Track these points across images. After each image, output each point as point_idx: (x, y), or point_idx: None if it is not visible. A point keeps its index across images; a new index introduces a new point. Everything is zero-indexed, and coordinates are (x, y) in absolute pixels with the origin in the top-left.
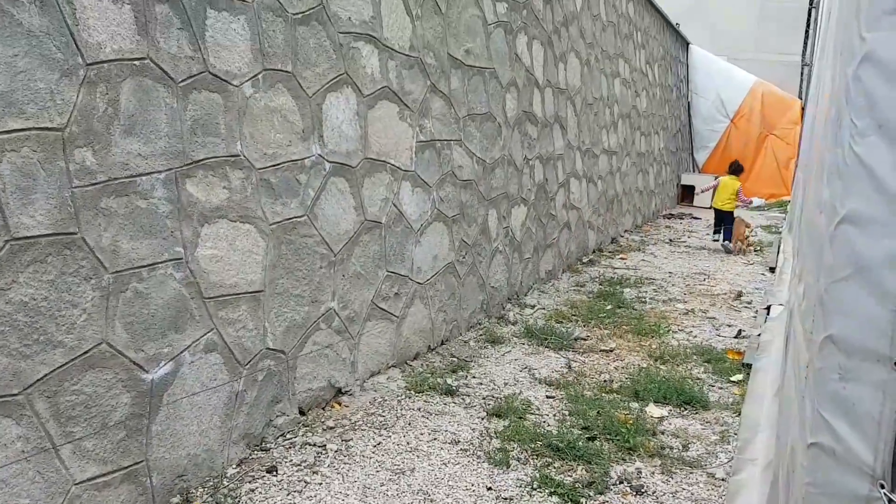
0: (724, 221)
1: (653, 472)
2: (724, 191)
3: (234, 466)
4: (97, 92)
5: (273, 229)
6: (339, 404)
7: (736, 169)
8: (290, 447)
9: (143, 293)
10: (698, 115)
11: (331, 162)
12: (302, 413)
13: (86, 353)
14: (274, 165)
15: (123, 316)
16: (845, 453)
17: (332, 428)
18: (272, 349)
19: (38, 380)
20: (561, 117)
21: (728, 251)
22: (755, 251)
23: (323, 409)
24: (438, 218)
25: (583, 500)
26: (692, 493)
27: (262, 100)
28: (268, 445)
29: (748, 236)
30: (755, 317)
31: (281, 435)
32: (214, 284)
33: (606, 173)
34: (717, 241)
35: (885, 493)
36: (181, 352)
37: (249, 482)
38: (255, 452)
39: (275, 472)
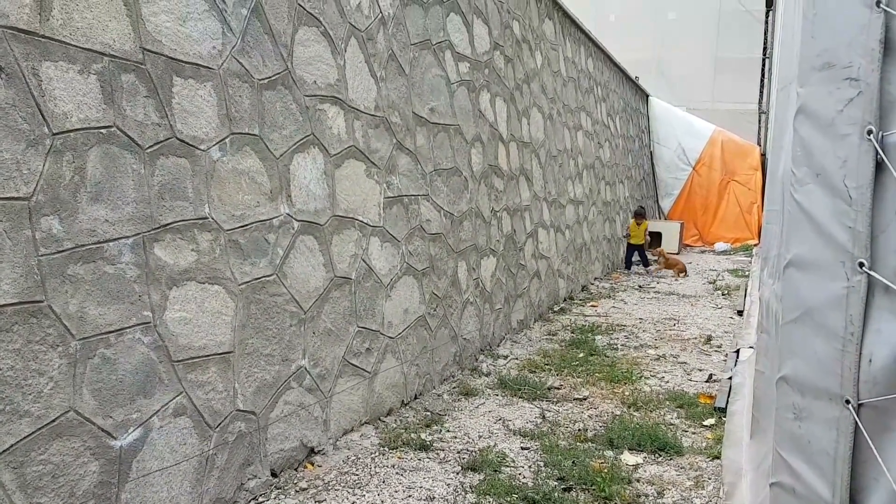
0: (639, 252)
1: None
2: (639, 231)
3: None
4: (63, 160)
5: (242, 289)
6: (312, 464)
7: (638, 213)
8: None
9: (110, 359)
10: (661, 164)
11: (299, 221)
12: (274, 475)
13: (53, 421)
14: (242, 226)
15: (91, 382)
16: (805, 491)
17: (304, 489)
18: (243, 410)
19: (4, 450)
20: (526, 169)
21: (648, 272)
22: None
23: (295, 469)
24: (408, 272)
25: None
26: None
27: (230, 162)
28: None
29: (665, 257)
30: (725, 360)
31: (253, 498)
32: (183, 347)
33: (574, 222)
34: (638, 269)
35: None
36: (150, 417)
37: None
38: None
39: None
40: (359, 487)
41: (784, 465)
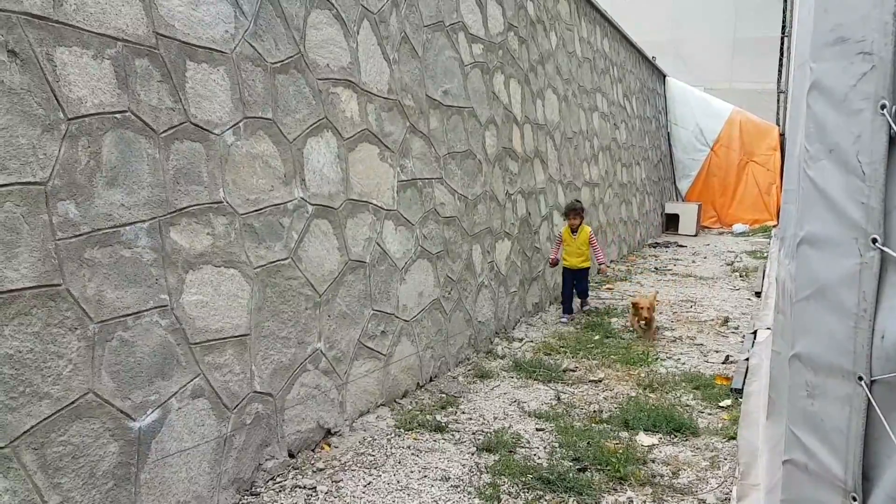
0: (577, 281)
1: (644, 501)
2: (574, 244)
3: None
4: (79, 145)
5: (258, 273)
6: (329, 445)
7: (572, 209)
8: (279, 490)
9: (128, 341)
10: (678, 145)
11: (313, 204)
12: (291, 455)
13: (72, 403)
14: (257, 210)
15: (109, 365)
16: (817, 468)
17: (321, 469)
18: (260, 392)
19: (24, 432)
20: (541, 152)
21: (585, 310)
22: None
23: (312, 450)
24: (422, 255)
25: None
26: None
27: (244, 147)
28: (258, 489)
29: (646, 318)
30: (742, 342)
31: (271, 478)
32: (200, 330)
33: (589, 205)
34: (573, 314)
35: None
36: (168, 398)
37: None
38: (245, 497)
39: None
40: (375, 468)
41: (797, 442)
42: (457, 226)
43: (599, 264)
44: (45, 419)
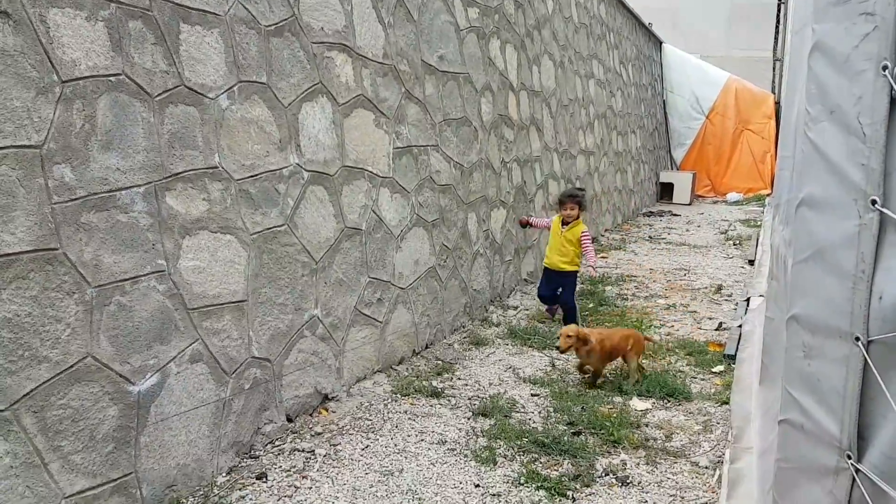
0: (561, 288)
1: (637, 463)
2: (559, 239)
3: (223, 475)
4: (74, 108)
5: (254, 239)
6: (327, 410)
7: (572, 197)
8: (279, 454)
9: (126, 306)
10: (674, 113)
11: (309, 171)
12: (290, 420)
13: (71, 367)
14: (252, 176)
15: (108, 329)
16: (813, 427)
17: (319, 433)
18: (258, 358)
19: (24, 395)
20: (537, 119)
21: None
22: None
23: (310, 415)
24: (418, 223)
25: (569, 492)
26: (677, 482)
27: (238, 111)
28: (257, 453)
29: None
30: (735, 309)
31: (269, 442)
32: (198, 295)
33: (584, 173)
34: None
35: (851, 464)
36: (167, 363)
37: (240, 489)
38: (245, 460)
39: (265, 479)
40: (372, 431)
41: (793, 402)
42: (452, 194)
43: (587, 266)
44: (44, 382)
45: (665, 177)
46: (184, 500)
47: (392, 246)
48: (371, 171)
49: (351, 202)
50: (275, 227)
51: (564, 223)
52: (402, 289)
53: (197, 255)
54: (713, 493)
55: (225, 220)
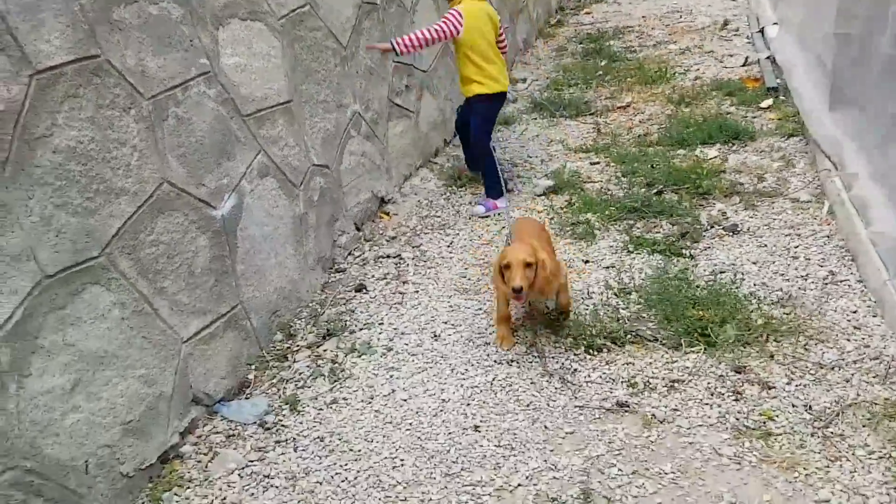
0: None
1: (736, 210)
2: (483, 36)
3: (319, 292)
4: None
5: (283, 25)
6: (387, 214)
7: None
8: (363, 263)
9: (184, 118)
10: None
11: None
12: (358, 229)
13: (151, 196)
14: None
15: (173, 148)
16: None
17: (394, 238)
18: (318, 165)
19: (113, 236)
20: None
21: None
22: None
23: (373, 221)
24: None
25: (684, 251)
26: (785, 221)
27: None
28: (341, 265)
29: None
30: (750, 42)
31: (349, 254)
32: (247, 99)
33: None
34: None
35: None
36: (239, 181)
37: (344, 304)
38: (333, 275)
39: (364, 290)
40: (447, 227)
41: None
42: None
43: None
44: (128, 219)
45: None
46: (292, 325)
47: (407, 20)
48: None
49: None
50: (298, 8)
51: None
52: (424, 72)
53: (235, 49)
54: (827, 224)
55: (252, 3)
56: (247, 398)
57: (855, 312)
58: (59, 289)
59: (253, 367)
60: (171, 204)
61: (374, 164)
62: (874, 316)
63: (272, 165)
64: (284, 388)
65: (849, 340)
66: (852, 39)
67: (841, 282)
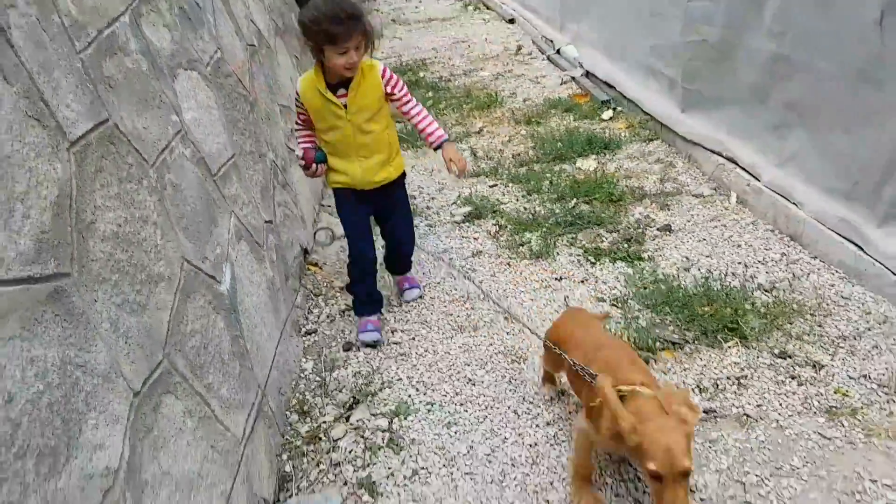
0: (391, 225)
1: (654, 212)
2: (356, 115)
3: (303, 359)
4: None
5: (210, 72)
6: (316, 265)
7: (350, 18)
8: (330, 321)
9: (177, 185)
10: None
11: None
12: (301, 285)
13: (179, 280)
14: None
15: (178, 219)
16: None
17: (342, 289)
18: (267, 221)
19: (166, 332)
20: None
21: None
22: None
23: (305, 275)
24: None
25: (641, 254)
26: (704, 216)
27: None
28: (308, 327)
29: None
30: (551, 62)
31: (308, 312)
32: (211, 156)
33: None
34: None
35: None
36: (227, 248)
37: (343, 367)
38: (306, 337)
39: (356, 348)
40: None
41: None
42: None
43: (435, 144)
44: (171, 309)
45: None
46: (301, 399)
47: (275, 63)
48: None
49: None
50: (214, 53)
51: (341, 85)
52: None
53: (188, 103)
54: (741, 213)
55: (186, 50)
56: (294, 494)
57: (833, 286)
58: (145, 407)
59: (286, 457)
60: (191, 285)
61: (293, 213)
62: (853, 285)
63: (241, 227)
64: (340, 471)
65: (847, 311)
66: (709, 45)
67: (797, 260)
